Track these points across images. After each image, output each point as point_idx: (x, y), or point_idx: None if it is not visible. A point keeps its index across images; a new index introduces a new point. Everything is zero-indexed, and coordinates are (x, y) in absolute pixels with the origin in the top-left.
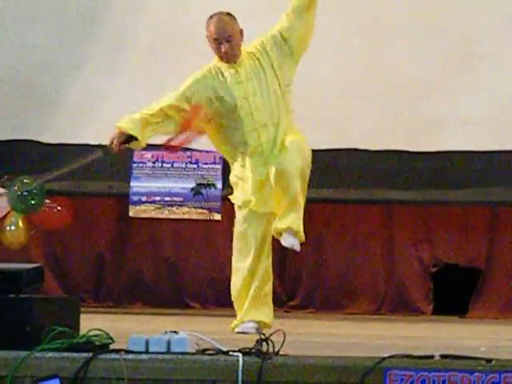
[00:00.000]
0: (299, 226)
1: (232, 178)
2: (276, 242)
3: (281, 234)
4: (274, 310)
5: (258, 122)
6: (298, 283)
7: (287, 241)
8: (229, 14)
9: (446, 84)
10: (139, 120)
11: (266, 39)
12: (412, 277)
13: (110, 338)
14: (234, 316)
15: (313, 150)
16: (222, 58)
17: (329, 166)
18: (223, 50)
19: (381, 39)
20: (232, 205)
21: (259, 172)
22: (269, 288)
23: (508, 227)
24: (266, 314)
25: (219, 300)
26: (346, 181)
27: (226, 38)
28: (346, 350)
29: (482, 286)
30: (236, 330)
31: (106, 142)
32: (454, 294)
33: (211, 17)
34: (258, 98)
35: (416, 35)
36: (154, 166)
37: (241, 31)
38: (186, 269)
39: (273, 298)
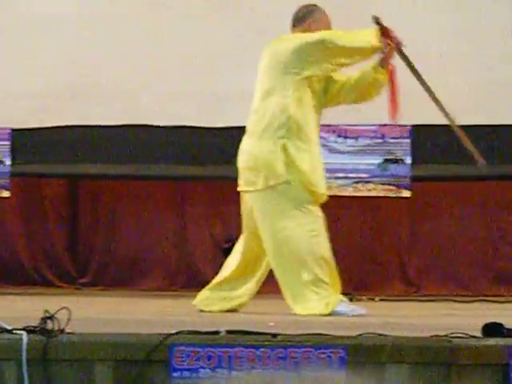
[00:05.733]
0: None
1: None
2: None
3: None
4: (64, 287)
5: None
6: (89, 260)
7: None
8: None
9: (235, 58)
10: None
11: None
12: (205, 253)
13: None
14: (22, 294)
15: (101, 126)
16: None
17: (119, 141)
18: None
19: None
20: (23, 181)
21: None
22: None
23: None
24: None
25: (7, 277)
26: (137, 157)
27: None
28: (134, 326)
29: None
30: None
31: None
32: None
33: (316, 5)
34: None
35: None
36: None
37: None
38: None
39: (63, 276)
